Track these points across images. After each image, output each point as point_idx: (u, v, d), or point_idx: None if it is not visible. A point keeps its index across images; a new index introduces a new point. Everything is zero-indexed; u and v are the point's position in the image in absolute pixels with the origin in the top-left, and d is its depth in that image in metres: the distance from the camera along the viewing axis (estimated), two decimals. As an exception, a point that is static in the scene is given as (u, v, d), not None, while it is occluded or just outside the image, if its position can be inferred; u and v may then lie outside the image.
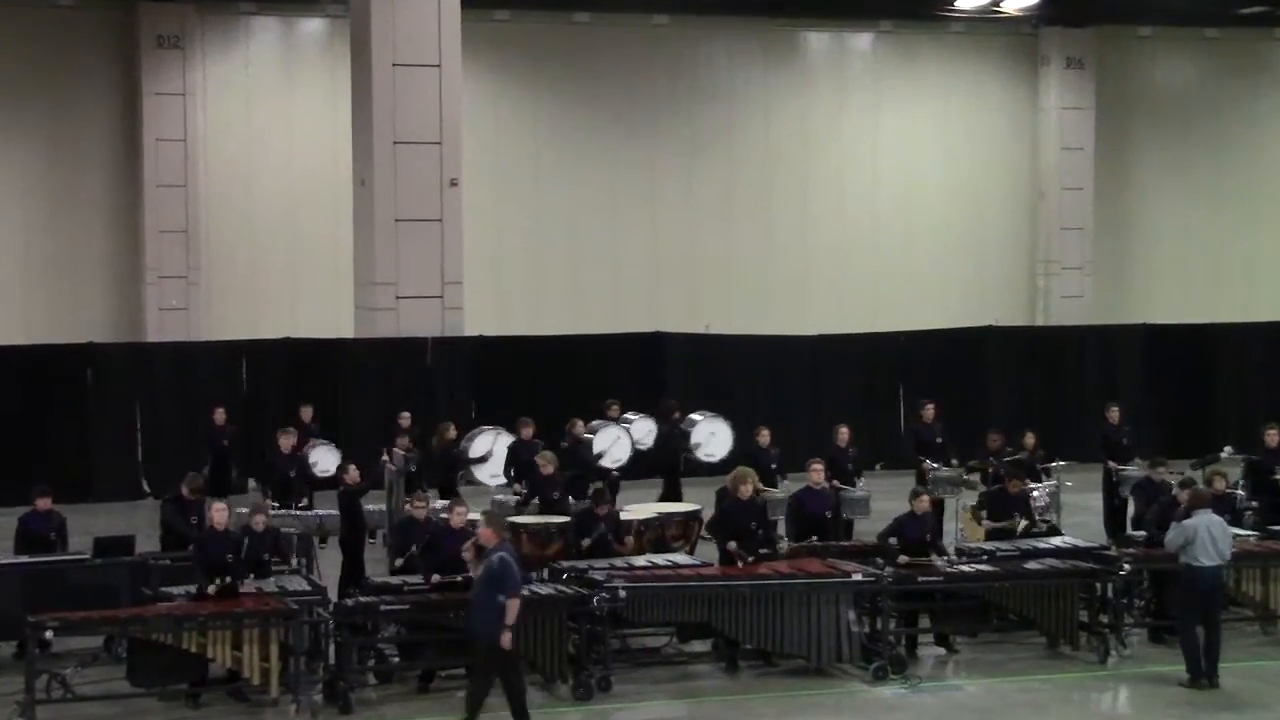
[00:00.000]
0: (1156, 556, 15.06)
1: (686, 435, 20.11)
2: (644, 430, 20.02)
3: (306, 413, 20.02)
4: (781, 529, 15.81)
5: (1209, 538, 13.40)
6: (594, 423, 19.66)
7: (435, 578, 13.37)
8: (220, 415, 20.18)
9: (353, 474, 16.31)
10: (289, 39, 29.48)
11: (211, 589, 12.90)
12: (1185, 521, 13.47)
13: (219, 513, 13.38)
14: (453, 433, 19.00)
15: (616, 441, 19.29)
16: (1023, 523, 15.89)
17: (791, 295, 31.10)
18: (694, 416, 20.49)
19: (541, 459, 16.96)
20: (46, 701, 12.59)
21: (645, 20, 30.57)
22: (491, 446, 19.03)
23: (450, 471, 18.59)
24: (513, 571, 11.73)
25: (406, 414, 19.31)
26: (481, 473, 18.97)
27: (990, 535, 15.93)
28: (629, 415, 20.18)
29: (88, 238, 28.59)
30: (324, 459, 18.80)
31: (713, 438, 20.10)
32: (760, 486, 15.60)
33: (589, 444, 18.89)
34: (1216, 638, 13.58)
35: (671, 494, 19.46)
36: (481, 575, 11.89)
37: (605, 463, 18.93)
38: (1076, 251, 32.19)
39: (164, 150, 28.09)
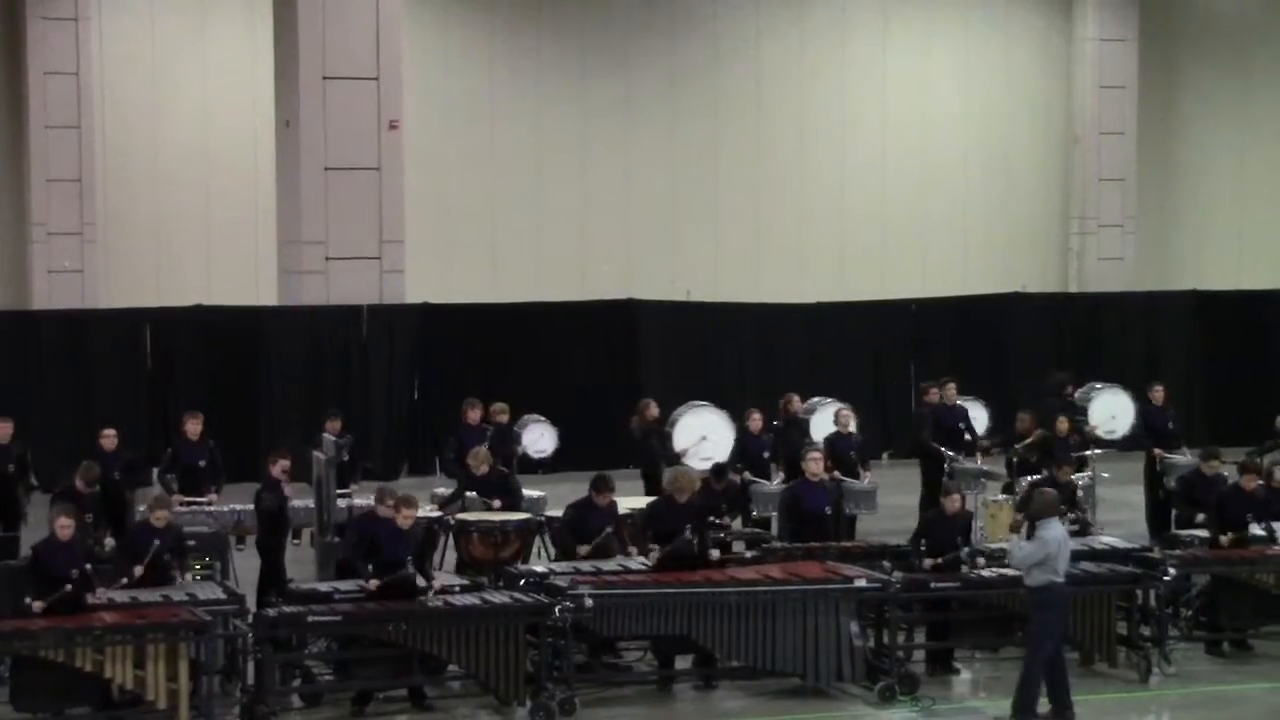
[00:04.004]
0: (1208, 559, 15.21)
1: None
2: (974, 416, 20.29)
3: (334, 425, 18.05)
4: (774, 527, 15.89)
5: (1066, 552, 13.24)
6: (813, 400, 19.91)
7: (374, 583, 13.40)
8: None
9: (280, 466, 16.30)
10: (200, -45, 29.34)
11: (38, 606, 12.79)
12: (1044, 534, 13.07)
13: (63, 528, 13.28)
14: (654, 410, 19.08)
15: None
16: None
17: (786, 256, 31.12)
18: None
19: (474, 458, 16.88)
20: (-84, 729, 12.60)
21: (617, -67, 30.56)
22: (702, 431, 19.31)
23: (654, 455, 18.55)
24: None
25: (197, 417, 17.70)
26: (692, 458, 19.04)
27: None
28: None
29: (-37, 188, 28.46)
30: (541, 438, 19.13)
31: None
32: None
33: (805, 424, 18.99)
34: (1064, 662, 13.48)
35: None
36: None
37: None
38: (1116, 206, 32.26)
39: (53, 85, 27.91)
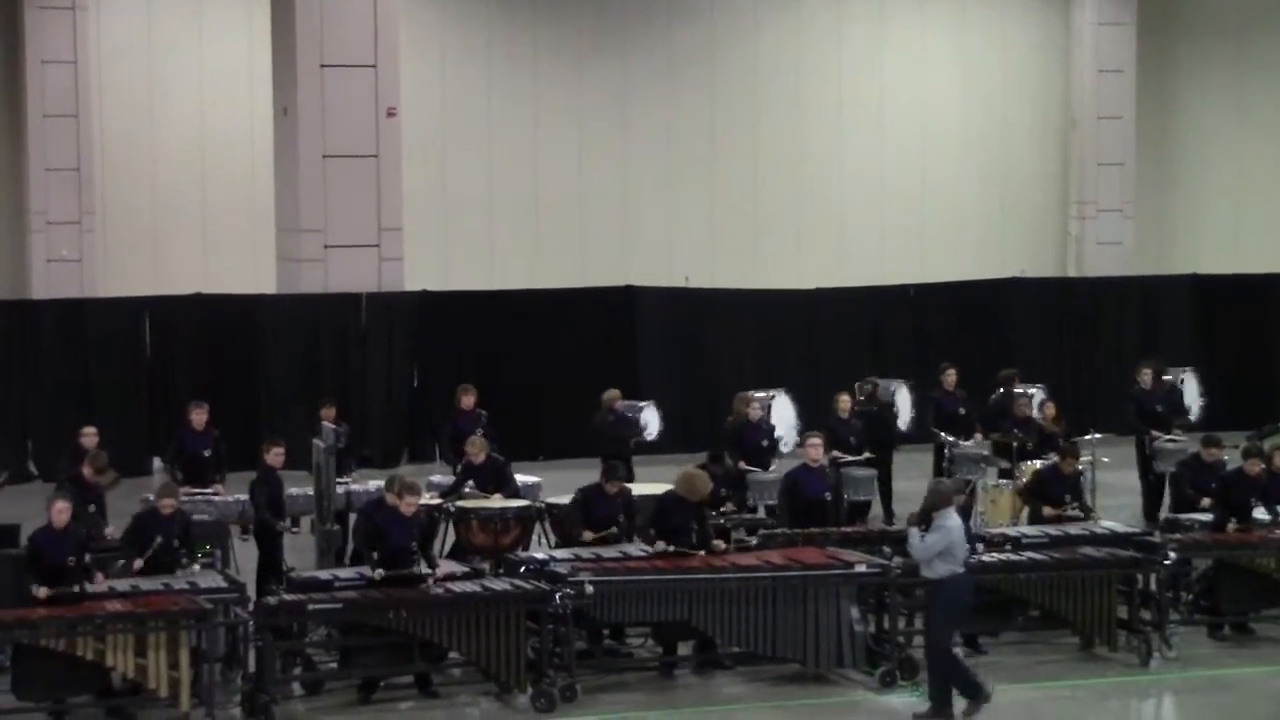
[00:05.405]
0: (1208, 543, 15.22)
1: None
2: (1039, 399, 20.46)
3: (329, 413, 17.53)
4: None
5: (964, 540, 13.20)
6: (885, 382, 20.49)
7: (380, 572, 13.43)
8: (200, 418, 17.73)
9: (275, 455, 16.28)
10: (197, -57, 29.28)
11: (42, 593, 12.86)
12: (946, 524, 12.97)
13: (60, 513, 13.29)
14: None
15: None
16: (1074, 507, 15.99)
17: (784, 242, 31.10)
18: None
19: (472, 446, 16.84)
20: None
21: (614, -80, 30.50)
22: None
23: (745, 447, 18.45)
24: None
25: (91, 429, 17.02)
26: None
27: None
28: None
29: (-39, 177, 28.42)
30: (653, 421, 19.62)
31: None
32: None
33: (890, 406, 19.21)
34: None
35: None
36: None
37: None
38: (1115, 191, 32.23)
39: (51, 74, 27.86)
